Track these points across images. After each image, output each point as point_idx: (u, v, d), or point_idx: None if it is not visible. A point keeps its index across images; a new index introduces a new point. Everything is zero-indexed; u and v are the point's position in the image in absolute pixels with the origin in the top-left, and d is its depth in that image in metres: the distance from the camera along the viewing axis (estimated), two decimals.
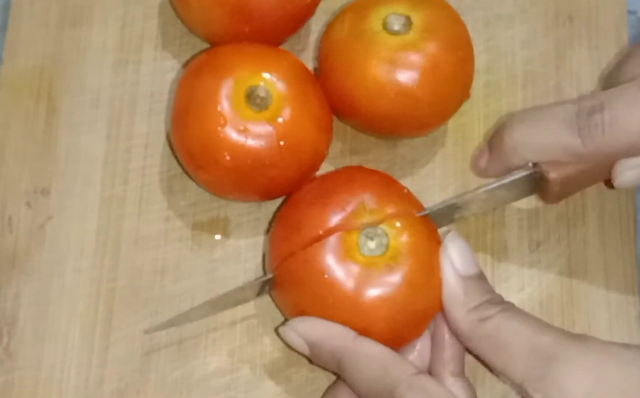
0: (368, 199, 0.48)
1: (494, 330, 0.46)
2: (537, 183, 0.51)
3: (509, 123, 0.51)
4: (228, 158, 0.49)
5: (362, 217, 0.48)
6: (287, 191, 0.52)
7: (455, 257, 0.47)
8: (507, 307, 0.47)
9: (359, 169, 0.52)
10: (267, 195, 0.52)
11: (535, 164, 0.50)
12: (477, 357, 0.48)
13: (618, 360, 0.44)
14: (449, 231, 0.49)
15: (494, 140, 0.52)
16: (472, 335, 0.47)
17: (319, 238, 0.47)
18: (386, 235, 0.48)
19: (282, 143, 0.49)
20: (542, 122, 0.49)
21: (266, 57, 0.51)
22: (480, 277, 0.48)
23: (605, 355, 0.44)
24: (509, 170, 0.51)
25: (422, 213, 0.49)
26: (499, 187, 0.51)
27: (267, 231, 0.54)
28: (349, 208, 0.48)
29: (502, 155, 0.51)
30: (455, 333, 0.48)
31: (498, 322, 0.46)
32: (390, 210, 0.48)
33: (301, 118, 0.50)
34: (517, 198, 0.53)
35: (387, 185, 0.50)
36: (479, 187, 0.51)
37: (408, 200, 0.50)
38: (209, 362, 0.51)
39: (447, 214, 0.51)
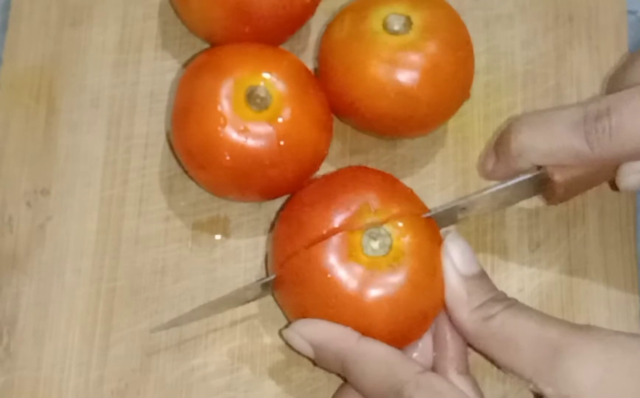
0: (372, 199, 0.48)
1: (500, 328, 0.46)
2: (541, 184, 0.51)
3: (514, 127, 0.51)
4: (228, 158, 0.49)
5: (367, 217, 0.48)
6: (288, 191, 0.52)
7: (456, 257, 0.48)
8: (511, 303, 0.47)
9: (362, 168, 0.52)
10: (268, 195, 0.52)
11: (540, 167, 0.50)
12: (484, 355, 0.48)
13: (625, 350, 0.44)
14: (448, 231, 0.49)
15: (500, 144, 0.52)
16: (477, 334, 0.47)
17: (323, 238, 0.47)
18: (389, 235, 0.48)
19: (282, 143, 0.49)
20: (548, 127, 0.49)
21: (266, 57, 0.51)
22: (482, 275, 0.48)
23: (613, 344, 0.44)
24: (515, 173, 0.51)
25: (428, 214, 0.49)
26: (504, 188, 0.51)
27: (270, 230, 0.54)
28: (353, 208, 0.48)
29: (508, 159, 0.51)
30: (461, 333, 0.48)
31: (503, 319, 0.46)
32: (394, 210, 0.48)
33: (301, 118, 0.50)
34: (521, 199, 0.53)
35: (391, 185, 0.50)
36: (485, 189, 0.51)
37: (411, 200, 0.50)
38: (209, 362, 0.51)
39: (451, 215, 0.51)
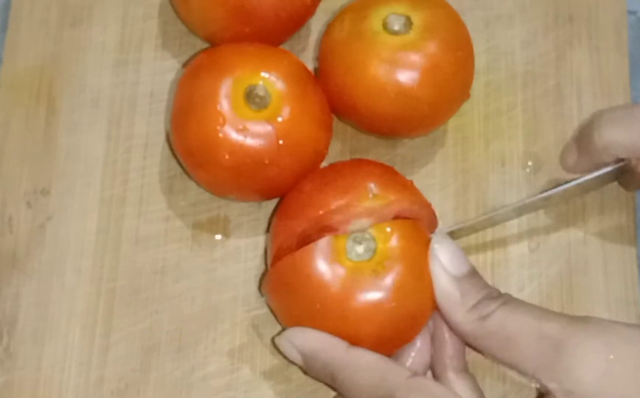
0: (372, 186, 0.48)
1: (498, 326, 0.45)
2: (621, 174, 0.52)
3: (598, 123, 0.51)
4: (227, 157, 0.49)
5: (365, 202, 0.48)
6: (287, 191, 0.52)
7: (445, 259, 0.47)
8: (506, 299, 0.46)
9: (363, 160, 0.51)
10: (267, 195, 0.52)
11: (621, 159, 0.51)
12: (484, 354, 0.47)
13: (627, 341, 0.44)
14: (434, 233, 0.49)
15: (583, 139, 0.52)
16: (475, 334, 0.46)
17: (320, 219, 0.47)
18: (374, 239, 0.47)
19: (281, 142, 0.49)
20: (633, 122, 0.50)
21: (265, 57, 0.51)
22: (474, 273, 0.47)
23: (614, 336, 0.44)
24: (598, 167, 0.51)
25: (499, 211, 0.50)
26: (586, 180, 0.52)
27: (267, 230, 0.54)
28: (352, 192, 0.48)
29: (591, 153, 0.51)
30: (458, 335, 0.47)
31: (500, 317, 0.46)
32: (392, 196, 0.48)
33: (300, 117, 0.50)
34: (598, 187, 0.53)
35: (392, 175, 0.50)
36: (567, 182, 0.51)
37: (412, 191, 0.49)
38: (209, 362, 0.51)
39: (521, 212, 0.52)
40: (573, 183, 0.51)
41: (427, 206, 0.50)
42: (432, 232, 0.50)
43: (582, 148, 0.52)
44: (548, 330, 0.44)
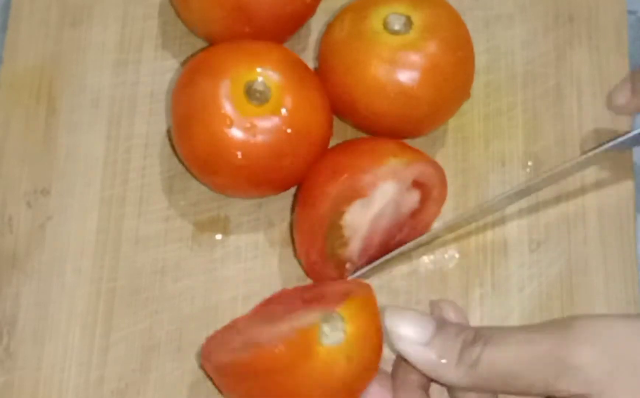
0: (392, 147, 0.50)
1: (490, 368, 0.43)
2: None
3: None
4: (240, 157, 0.49)
5: (390, 159, 0.49)
6: (301, 179, 0.51)
7: (410, 333, 0.44)
8: (486, 338, 0.43)
9: (373, 137, 0.53)
10: (283, 186, 0.52)
11: None
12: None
13: (628, 334, 0.42)
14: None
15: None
16: (474, 382, 0.44)
17: (350, 180, 0.48)
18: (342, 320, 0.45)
19: (289, 131, 0.49)
20: None
21: (259, 52, 0.51)
22: (442, 325, 0.44)
23: (613, 333, 0.42)
24: None
25: (563, 167, 0.51)
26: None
27: (292, 211, 0.54)
28: (375, 154, 0.49)
29: None
30: (459, 391, 0.45)
31: (488, 359, 0.43)
32: (411, 155, 0.49)
33: (303, 103, 0.50)
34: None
35: (404, 145, 0.51)
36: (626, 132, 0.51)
37: (425, 155, 0.51)
38: None
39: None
40: (620, 139, 0.50)
41: (440, 169, 0.51)
42: (442, 198, 0.51)
43: (637, 87, 0.51)
44: (540, 351, 0.42)
